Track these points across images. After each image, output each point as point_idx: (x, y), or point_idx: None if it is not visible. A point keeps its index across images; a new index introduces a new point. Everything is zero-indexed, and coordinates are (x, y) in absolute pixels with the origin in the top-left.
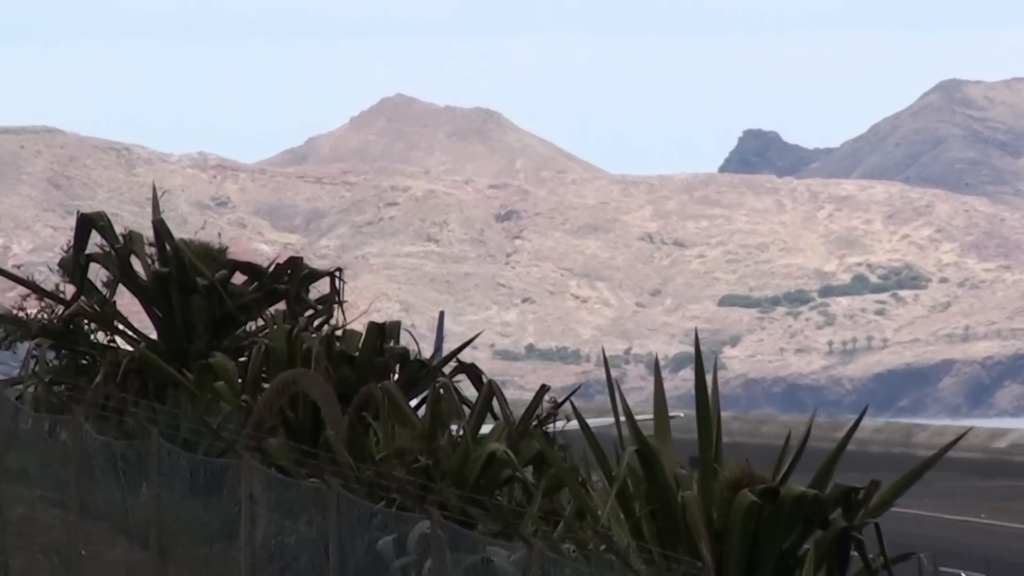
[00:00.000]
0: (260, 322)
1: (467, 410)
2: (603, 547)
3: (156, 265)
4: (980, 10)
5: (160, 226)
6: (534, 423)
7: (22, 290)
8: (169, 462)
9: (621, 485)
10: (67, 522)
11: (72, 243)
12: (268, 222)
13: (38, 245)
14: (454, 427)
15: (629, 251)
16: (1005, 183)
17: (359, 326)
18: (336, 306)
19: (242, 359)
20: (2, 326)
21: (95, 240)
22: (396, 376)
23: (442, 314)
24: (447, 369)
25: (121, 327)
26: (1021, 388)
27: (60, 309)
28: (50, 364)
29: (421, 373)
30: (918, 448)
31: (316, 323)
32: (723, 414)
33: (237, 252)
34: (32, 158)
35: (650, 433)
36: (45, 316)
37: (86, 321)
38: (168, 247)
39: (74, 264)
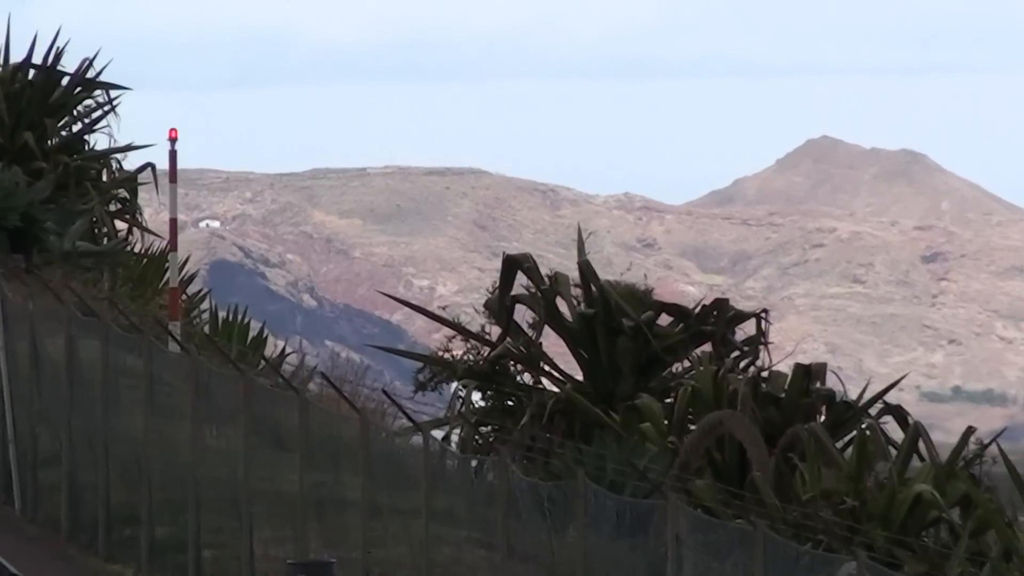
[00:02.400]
0: (686, 363)
1: (893, 452)
2: None
3: (582, 307)
4: None
5: (586, 267)
6: (960, 464)
7: (448, 331)
8: (595, 503)
9: None
10: (493, 563)
11: (497, 284)
12: (694, 263)
13: (463, 287)
14: (880, 468)
15: None
16: None
17: (785, 367)
18: (762, 347)
19: (668, 400)
20: (428, 367)
21: (520, 281)
22: (822, 417)
23: None
24: (873, 411)
25: (547, 368)
26: None
27: (486, 351)
28: (476, 405)
29: (847, 415)
30: None
31: (742, 364)
32: None
33: (663, 294)
34: (458, 199)
35: None
36: (471, 357)
37: (512, 362)
38: (594, 288)
39: (500, 305)
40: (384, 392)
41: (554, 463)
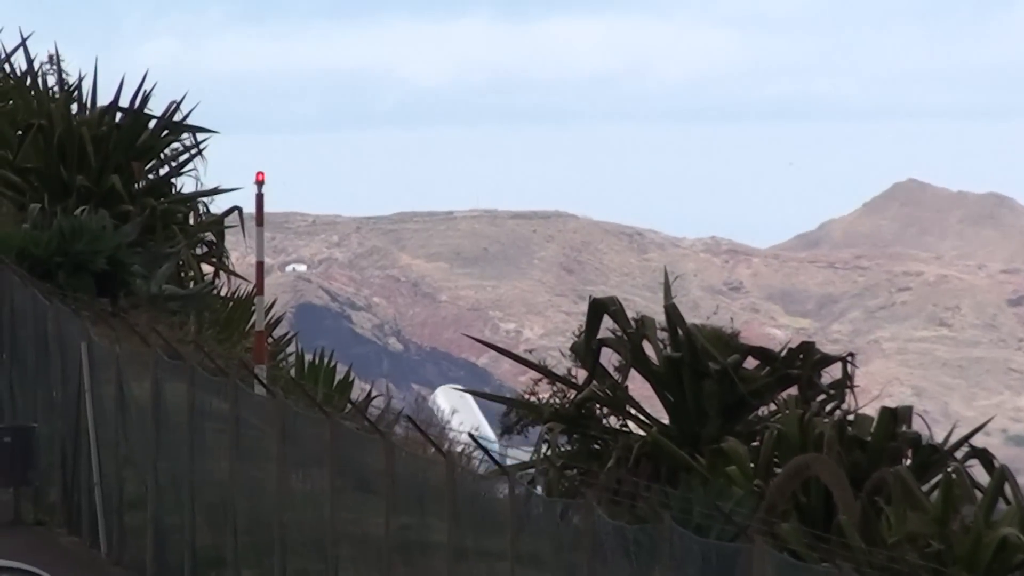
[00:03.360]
0: (772, 407)
1: (979, 495)
2: None
3: (668, 350)
4: None
5: (672, 311)
6: None
7: (534, 375)
8: (681, 547)
9: None
10: None
11: (584, 328)
12: (780, 307)
13: (550, 330)
14: (966, 512)
15: None
16: None
17: (871, 411)
18: (848, 391)
19: (754, 443)
20: (515, 410)
21: (607, 325)
22: (908, 461)
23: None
24: (959, 454)
25: (633, 411)
26: None
27: (572, 393)
28: (562, 448)
29: (933, 458)
30: None
31: (828, 408)
32: None
33: (749, 337)
34: (544, 243)
35: None
36: (557, 401)
37: (598, 406)
38: (680, 332)
39: (586, 349)
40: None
41: (640, 506)
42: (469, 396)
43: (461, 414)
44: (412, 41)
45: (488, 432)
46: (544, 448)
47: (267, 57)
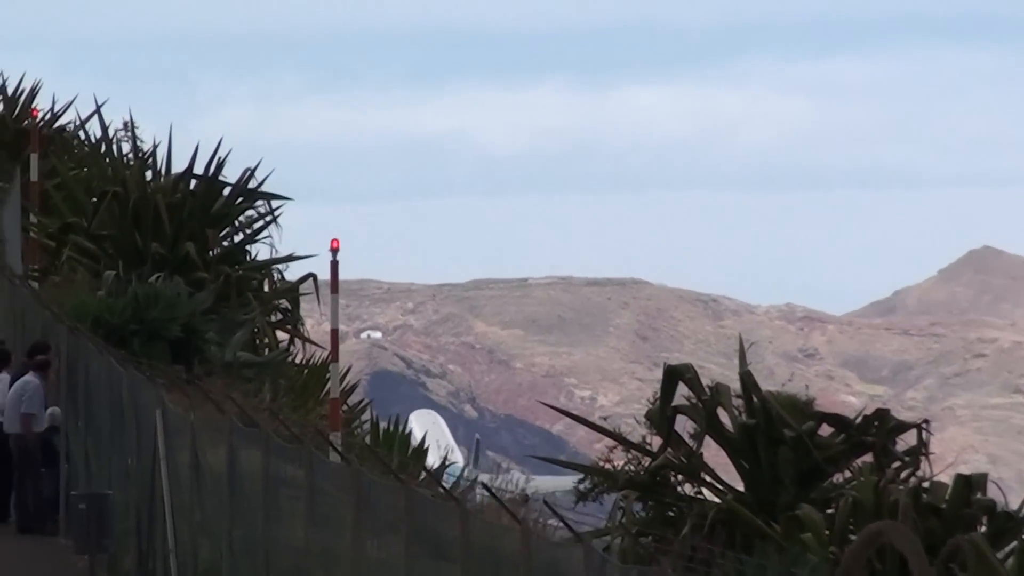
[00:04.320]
0: (847, 474)
1: None
2: None
3: (743, 417)
4: None
5: (747, 378)
6: None
7: (609, 442)
8: None
9: None
10: None
11: (659, 395)
12: (855, 374)
13: (625, 397)
14: None
15: None
16: None
17: (946, 478)
18: (923, 458)
19: (829, 511)
20: (590, 478)
21: (682, 392)
22: (983, 528)
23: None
24: None
25: (708, 479)
26: None
27: (647, 461)
28: (636, 516)
29: (1008, 525)
30: None
31: (903, 475)
32: None
33: (824, 404)
34: (619, 310)
35: None
36: (632, 468)
37: (673, 473)
38: (755, 399)
39: (661, 416)
40: (545, 503)
41: (715, 574)
42: (441, 420)
43: (433, 437)
44: (487, 108)
45: (458, 456)
46: (619, 515)
47: (342, 124)
